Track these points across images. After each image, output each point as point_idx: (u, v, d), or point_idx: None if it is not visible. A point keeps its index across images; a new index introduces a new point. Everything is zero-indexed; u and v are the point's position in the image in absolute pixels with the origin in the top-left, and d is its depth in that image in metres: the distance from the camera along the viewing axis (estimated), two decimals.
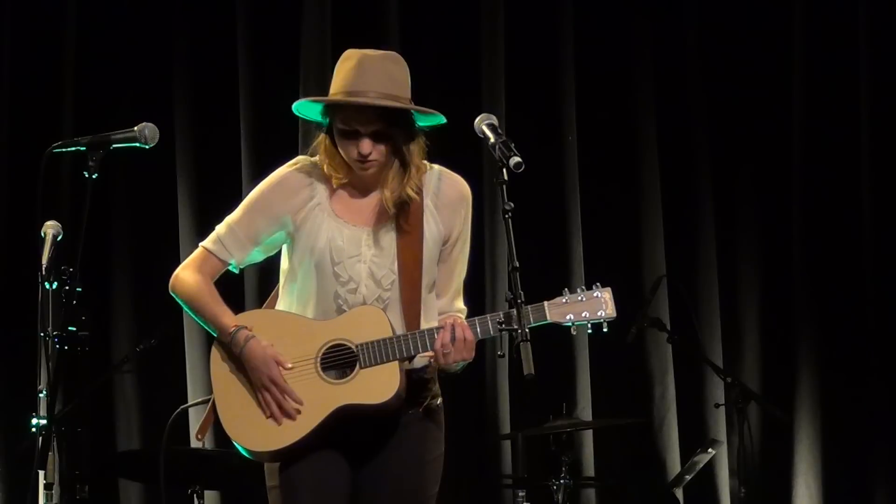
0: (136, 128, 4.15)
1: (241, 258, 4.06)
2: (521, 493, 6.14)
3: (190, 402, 5.76)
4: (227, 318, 3.98)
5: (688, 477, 6.70)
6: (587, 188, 7.23)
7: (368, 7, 7.19)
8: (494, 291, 7.01)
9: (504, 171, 3.81)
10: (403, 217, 3.99)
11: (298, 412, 3.90)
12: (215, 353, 4.01)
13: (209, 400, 4.03)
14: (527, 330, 3.74)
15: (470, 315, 4.02)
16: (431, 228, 4.02)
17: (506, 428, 6.96)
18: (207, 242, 4.07)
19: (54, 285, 5.13)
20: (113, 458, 6.68)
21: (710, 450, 6.69)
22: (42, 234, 5.12)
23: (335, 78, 3.98)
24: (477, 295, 6.79)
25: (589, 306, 3.93)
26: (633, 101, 7.31)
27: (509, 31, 7.23)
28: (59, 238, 5.17)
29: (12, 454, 6.72)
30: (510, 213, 3.81)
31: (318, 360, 3.93)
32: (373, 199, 4.03)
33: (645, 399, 7.13)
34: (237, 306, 4.08)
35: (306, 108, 4.03)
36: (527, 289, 3.78)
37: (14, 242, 6.87)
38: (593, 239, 7.20)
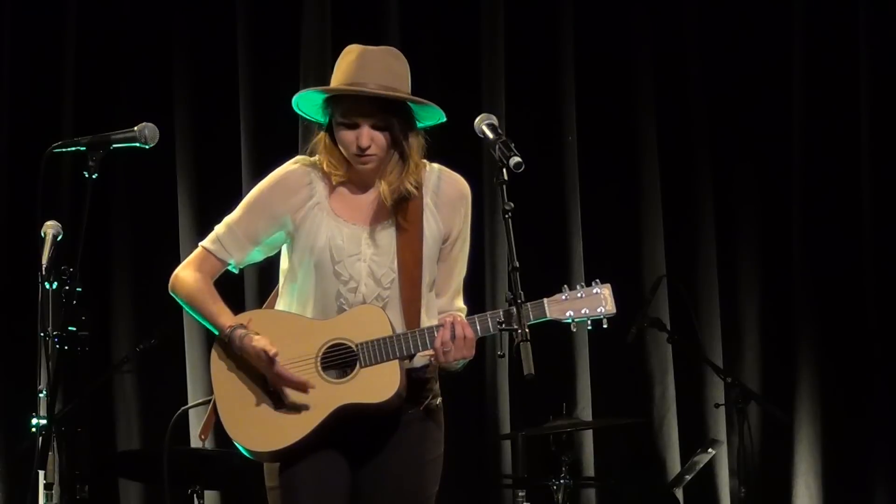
0: (136, 128, 4.15)
1: (241, 258, 4.07)
2: (521, 493, 6.14)
3: (191, 404, 5.75)
4: (225, 317, 3.98)
5: (688, 477, 6.70)
6: (587, 188, 7.23)
7: (368, 6, 7.19)
8: (494, 291, 7.01)
9: (504, 171, 3.81)
10: (403, 215, 3.99)
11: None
12: (215, 354, 4.01)
13: (210, 401, 4.03)
14: (527, 330, 3.74)
15: (469, 314, 4.02)
16: (431, 227, 4.02)
17: (506, 428, 6.96)
18: (206, 242, 4.07)
19: (54, 285, 5.12)
20: (113, 458, 6.68)
21: (710, 450, 6.69)
22: (42, 234, 5.12)
23: (336, 71, 3.98)
24: (477, 295, 6.78)
25: (588, 303, 3.93)
26: (633, 102, 7.31)
27: (509, 31, 7.23)
28: (59, 238, 5.16)
29: (12, 454, 6.72)
30: (510, 213, 3.81)
31: (319, 359, 3.93)
32: (372, 197, 4.03)
33: (645, 399, 7.13)
34: (237, 306, 4.08)
35: (306, 105, 4.03)
36: (527, 289, 3.79)
37: (14, 242, 6.87)
38: (593, 239, 7.20)
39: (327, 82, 4.02)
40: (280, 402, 3.93)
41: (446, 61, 7.20)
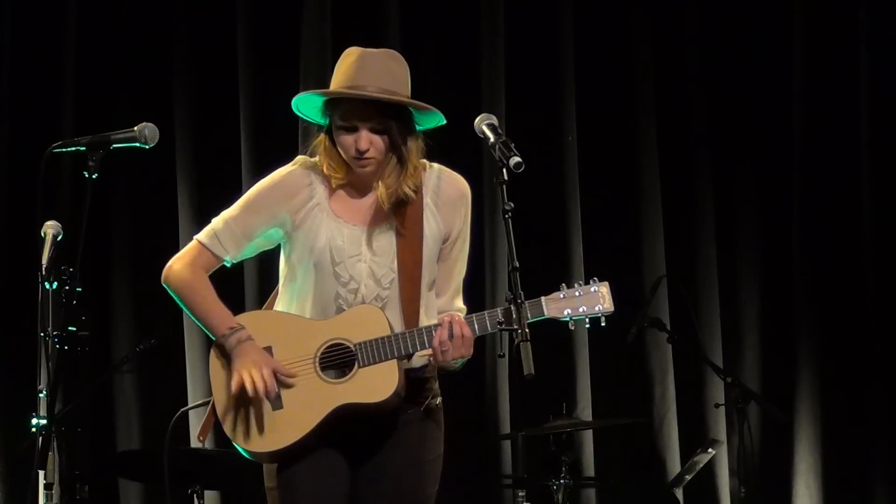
0: (136, 128, 4.14)
1: (236, 255, 4.06)
2: (521, 493, 6.14)
3: (191, 404, 5.76)
4: (222, 315, 3.97)
5: (688, 477, 6.70)
6: (587, 188, 7.23)
7: (368, 6, 7.19)
8: (494, 291, 7.01)
9: (504, 170, 3.81)
10: (403, 216, 3.99)
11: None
12: (214, 355, 4.01)
13: (209, 402, 4.02)
14: (527, 330, 3.74)
15: (468, 314, 4.02)
16: (431, 227, 4.02)
17: (506, 428, 6.95)
18: (202, 236, 4.06)
19: (54, 285, 5.12)
20: (113, 458, 6.68)
21: (710, 450, 6.69)
22: (42, 234, 5.11)
23: (335, 74, 3.98)
24: (477, 295, 6.78)
25: (586, 301, 3.93)
26: (633, 102, 7.31)
27: (509, 31, 7.23)
28: (59, 238, 5.16)
29: (12, 454, 6.72)
30: (510, 213, 3.81)
31: (317, 359, 3.93)
32: (372, 199, 4.03)
33: (645, 399, 7.13)
34: (237, 306, 4.08)
35: (306, 108, 4.03)
36: (527, 289, 3.79)
37: (14, 242, 6.87)
38: (593, 239, 7.20)
39: (327, 83, 4.02)
40: (278, 403, 3.93)
41: (446, 61, 7.20)
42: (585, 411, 7.04)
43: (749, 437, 6.39)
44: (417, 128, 4.00)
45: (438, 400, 4.07)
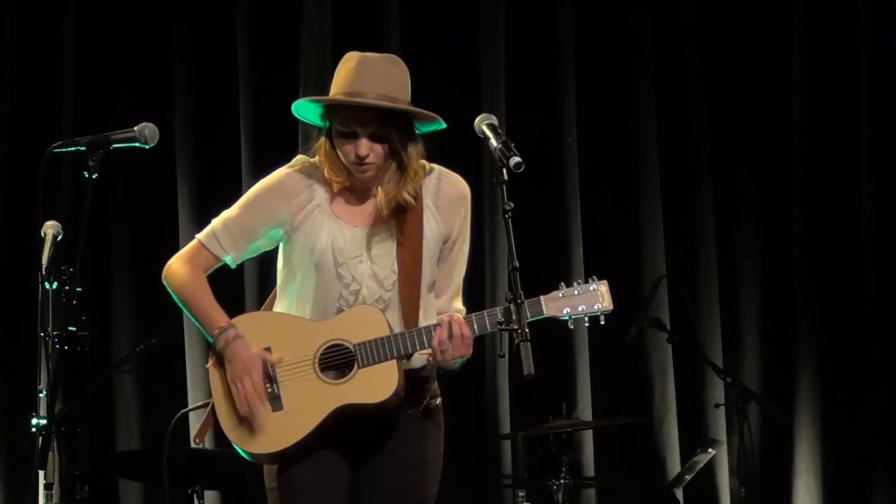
0: (136, 128, 4.14)
1: (236, 255, 4.06)
2: (521, 493, 6.15)
3: (191, 406, 5.74)
4: (217, 315, 3.97)
5: (688, 477, 6.70)
6: (587, 188, 7.23)
7: (368, 7, 7.19)
8: (494, 291, 7.01)
9: (504, 171, 3.81)
10: (403, 217, 3.99)
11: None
12: (212, 356, 4.00)
13: (209, 403, 4.02)
14: (527, 329, 3.74)
15: (468, 314, 4.02)
16: (432, 228, 4.02)
17: (506, 428, 6.95)
18: (202, 236, 4.06)
19: (54, 285, 5.12)
20: (113, 458, 6.68)
21: (710, 450, 6.69)
22: (42, 234, 5.11)
23: (335, 79, 3.98)
24: (477, 295, 6.78)
25: (585, 300, 3.92)
26: (633, 102, 7.31)
27: (509, 31, 7.24)
28: (59, 238, 5.16)
29: (12, 454, 6.72)
30: (510, 213, 3.81)
31: (316, 360, 3.93)
32: (372, 202, 4.02)
33: (645, 399, 7.13)
34: (237, 306, 4.09)
35: (306, 111, 4.03)
36: (527, 288, 3.78)
37: (14, 242, 6.87)
38: (593, 239, 7.20)
39: (327, 83, 4.02)
40: (278, 404, 3.92)
41: (446, 62, 7.20)
42: (585, 411, 7.04)
43: (749, 437, 6.38)
44: (417, 131, 3.99)
45: (438, 400, 4.07)
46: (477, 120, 3.94)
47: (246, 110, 7.06)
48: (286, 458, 3.93)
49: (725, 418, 7.05)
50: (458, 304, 4.11)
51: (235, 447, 3.97)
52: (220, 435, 4.01)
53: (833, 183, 7.21)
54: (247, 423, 3.92)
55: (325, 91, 4.01)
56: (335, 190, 4.01)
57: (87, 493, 5.76)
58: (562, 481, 6.25)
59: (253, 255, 4.12)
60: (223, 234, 4.03)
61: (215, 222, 4.06)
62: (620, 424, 6.83)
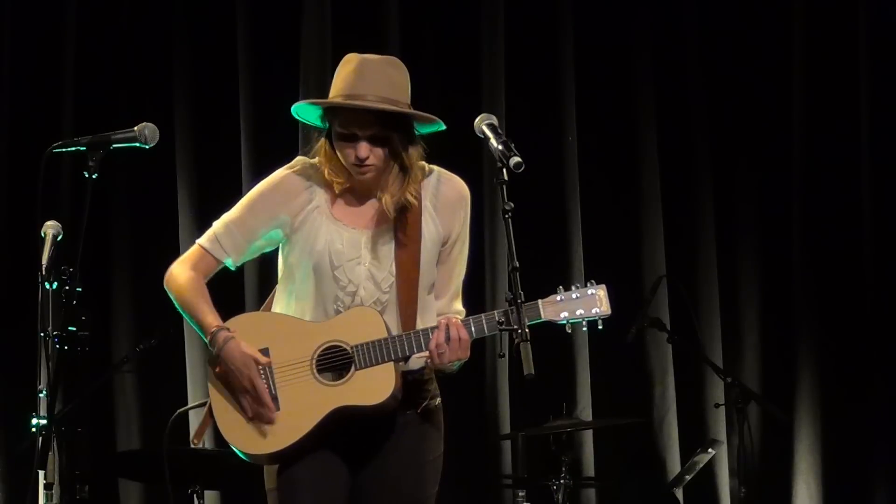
0: (136, 128, 4.14)
1: (237, 257, 4.06)
2: (521, 493, 6.14)
3: (189, 405, 5.75)
4: (211, 318, 3.97)
5: (688, 477, 6.70)
6: (587, 188, 7.23)
7: (368, 7, 7.19)
8: (494, 291, 7.01)
9: (504, 171, 3.81)
10: (402, 219, 3.99)
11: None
12: (210, 357, 4.00)
13: (207, 403, 4.02)
14: (527, 330, 3.73)
15: (468, 314, 4.02)
16: (430, 230, 4.02)
17: (506, 428, 6.95)
18: (203, 240, 4.06)
19: (54, 285, 5.12)
20: (113, 458, 6.68)
21: (710, 450, 6.69)
22: (42, 234, 5.11)
23: (335, 81, 3.98)
24: (477, 295, 6.79)
25: (583, 304, 3.92)
26: (633, 102, 7.31)
27: (509, 31, 7.23)
28: (59, 238, 5.16)
29: (12, 454, 6.72)
30: (510, 213, 3.80)
31: (314, 361, 3.92)
32: (372, 204, 4.02)
33: (645, 399, 7.13)
34: (237, 307, 4.09)
35: (305, 112, 4.03)
36: (527, 289, 3.78)
37: (14, 242, 6.87)
38: (593, 239, 7.19)
39: (327, 84, 4.02)
40: (275, 405, 3.92)
41: (446, 62, 7.20)
42: (585, 411, 7.03)
43: (749, 437, 6.39)
44: (417, 132, 3.99)
45: (437, 401, 4.07)
46: (477, 120, 3.94)
47: (246, 110, 7.06)
48: (284, 459, 3.93)
49: (725, 418, 7.04)
50: (458, 306, 4.11)
51: (233, 448, 3.97)
52: (220, 435, 4.01)
53: (833, 183, 7.21)
54: (244, 423, 3.93)
55: (326, 92, 4.01)
56: (336, 191, 4.01)
57: (87, 493, 5.77)
58: (562, 481, 6.25)
59: (253, 256, 4.12)
60: (224, 237, 4.03)
61: (216, 225, 4.06)
62: (620, 424, 6.82)
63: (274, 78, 7.04)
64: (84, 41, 7.09)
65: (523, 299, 3.77)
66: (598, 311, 3.92)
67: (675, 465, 7.05)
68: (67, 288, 4.92)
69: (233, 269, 4.09)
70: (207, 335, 3.96)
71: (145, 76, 7.13)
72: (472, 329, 3.89)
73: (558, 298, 3.92)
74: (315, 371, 3.92)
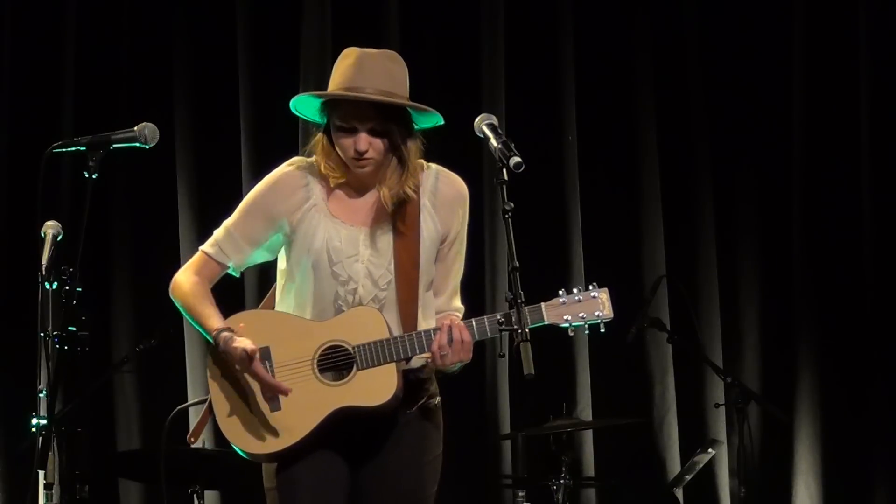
0: (136, 128, 4.14)
1: (240, 261, 4.07)
2: (521, 493, 6.14)
3: (189, 402, 5.76)
4: (214, 320, 3.97)
5: (688, 477, 6.70)
6: (587, 188, 7.22)
7: (368, 6, 7.19)
8: (494, 291, 7.01)
9: (504, 170, 3.81)
10: (401, 216, 3.99)
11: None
12: (211, 357, 4.00)
13: (206, 400, 4.02)
14: (527, 330, 3.73)
15: (468, 314, 4.02)
16: (429, 227, 4.02)
17: (506, 428, 6.95)
18: (206, 246, 4.07)
19: (54, 285, 5.12)
20: (113, 458, 6.68)
21: (710, 450, 6.69)
22: (42, 234, 5.12)
23: (334, 75, 3.98)
24: (477, 295, 6.79)
25: (586, 307, 3.92)
26: (633, 102, 7.31)
27: (509, 31, 7.23)
28: (59, 238, 5.16)
29: (12, 454, 6.72)
30: (510, 213, 3.80)
31: (315, 361, 3.92)
32: (370, 199, 4.02)
33: (645, 399, 7.13)
34: (237, 306, 4.08)
35: (304, 107, 4.02)
36: (527, 289, 3.78)
37: (14, 242, 6.87)
38: (593, 239, 7.19)
39: (327, 82, 4.02)
40: (276, 404, 3.92)
41: (446, 61, 7.20)
42: (585, 411, 7.03)
43: (749, 437, 6.39)
44: (416, 127, 3.99)
45: (437, 400, 4.06)
46: (477, 120, 3.94)
47: (246, 110, 7.06)
48: (284, 458, 3.93)
49: (725, 418, 7.04)
50: (457, 303, 4.11)
51: (234, 447, 3.97)
52: (219, 434, 4.01)
53: (833, 182, 7.20)
54: (245, 422, 3.93)
55: (324, 89, 4.00)
56: (332, 185, 4.00)
57: (87, 493, 5.76)
58: (562, 481, 6.25)
59: (256, 263, 4.12)
60: (225, 241, 4.04)
61: (217, 232, 4.07)
62: (620, 424, 6.82)
63: (274, 78, 7.04)
64: (84, 41, 7.09)
65: (523, 299, 3.76)
66: (600, 313, 3.92)
67: (675, 465, 7.05)
68: (67, 288, 4.92)
69: (236, 275, 4.10)
70: (210, 335, 3.96)
71: (145, 76, 7.13)
72: (475, 331, 3.89)
73: (561, 301, 3.91)
74: (316, 371, 3.92)
